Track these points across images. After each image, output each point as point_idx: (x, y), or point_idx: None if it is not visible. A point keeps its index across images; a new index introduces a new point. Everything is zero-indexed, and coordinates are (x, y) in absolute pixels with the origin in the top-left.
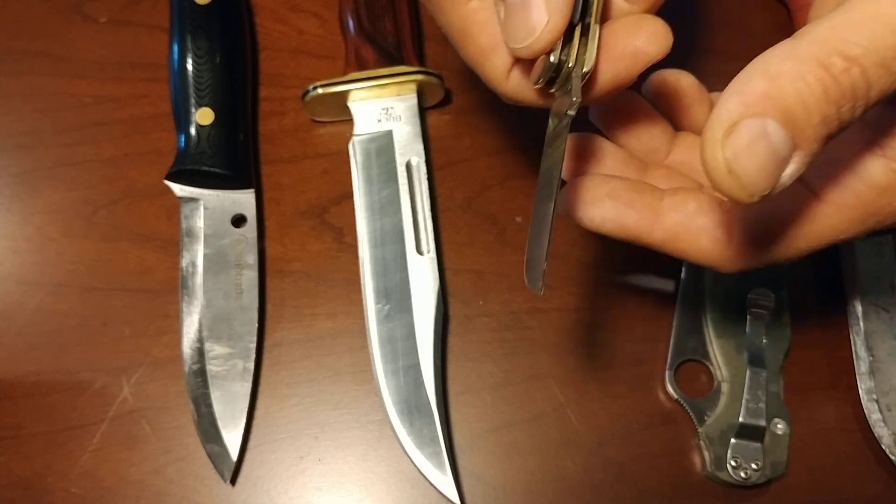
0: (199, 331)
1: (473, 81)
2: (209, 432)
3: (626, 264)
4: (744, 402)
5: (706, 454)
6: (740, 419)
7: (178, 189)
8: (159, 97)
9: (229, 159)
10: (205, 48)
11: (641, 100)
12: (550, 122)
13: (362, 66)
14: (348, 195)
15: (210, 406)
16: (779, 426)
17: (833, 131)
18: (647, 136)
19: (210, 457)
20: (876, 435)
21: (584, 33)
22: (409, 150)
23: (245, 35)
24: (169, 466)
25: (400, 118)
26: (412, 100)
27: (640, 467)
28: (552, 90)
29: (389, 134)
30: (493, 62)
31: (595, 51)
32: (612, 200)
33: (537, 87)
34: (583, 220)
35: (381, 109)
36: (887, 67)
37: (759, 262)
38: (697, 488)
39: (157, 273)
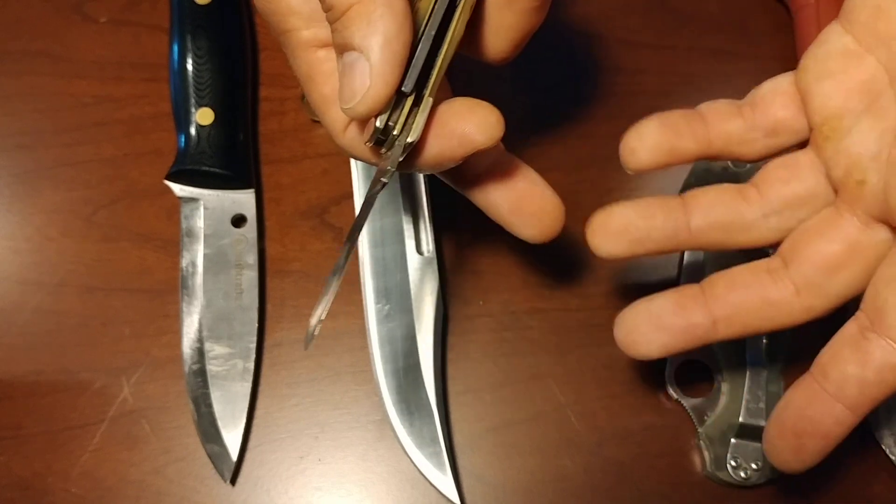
0: (199, 331)
1: (472, 81)
2: (209, 432)
3: (626, 264)
4: (744, 402)
5: (706, 454)
6: (740, 419)
7: (178, 189)
8: (159, 97)
9: (229, 159)
10: (205, 48)
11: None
12: (371, 183)
13: None
14: (348, 195)
15: (210, 406)
16: None
17: None
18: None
19: (210, 457)
20: (876, 435)
21: (417, 104)
22: None
23: (245, 35)
24: (169, 466)
25: None
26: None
27: (640, 467)
28: (381, 151)
29: None
30: (333, 113)
31: (423, 123)
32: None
33: (367, 145)
34: (635, 354)
35: None
36: None
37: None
38: (697, 488)
39: (157, 273)
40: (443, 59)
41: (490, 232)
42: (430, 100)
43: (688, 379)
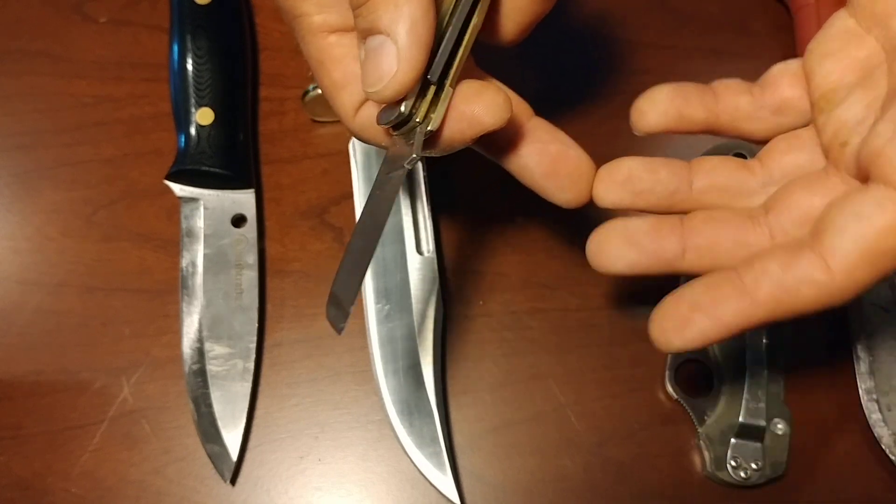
0: (199, 331)
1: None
2: (209, 432)
3: None
4: (744, 402)
5: (706, 454)
6: (740, 419)
7: (178, 189)
8: (159, 97)
9: (229, 159)
10: (205, 48)
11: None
12: (384, 165)
13: None
14: (348, 195)
15: (210, 406)
16: (779, 426)
17: None
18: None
19: (210, 457)
20: (876, 435)
21: (438, 93)
22: None
23: (245, 35)
24: (169, 466)
25: None
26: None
27: (640, 467)
28: (395, 134)
29: None
30: (343, 98)
31: (443, 113)
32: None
33: (382, 126)
34: (599, 266)
35: None
36: None
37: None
38: (697, 488)
39: (157, 273)
40: (464, 50)
41: (490, 232)
42: (451, 89)
43: (688, 379)
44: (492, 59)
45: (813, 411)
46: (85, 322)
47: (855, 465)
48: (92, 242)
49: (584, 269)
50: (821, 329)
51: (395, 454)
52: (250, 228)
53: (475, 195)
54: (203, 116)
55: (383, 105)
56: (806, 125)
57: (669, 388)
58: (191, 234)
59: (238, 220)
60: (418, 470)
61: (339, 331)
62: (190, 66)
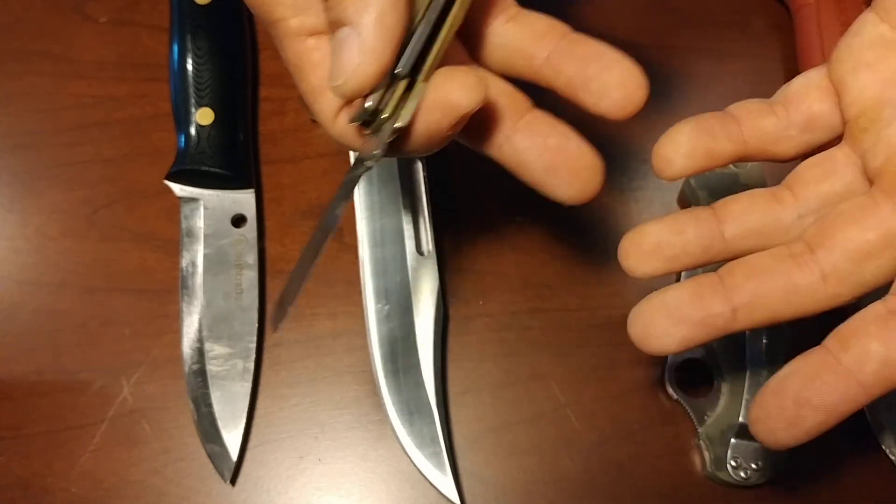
0: (199, 331)
1: None
2: (209, 432)
3: None
4: (744, 402)
5: (706, 454)
6: (740, 419)
7: (178, 189)
8: (159, 97)
9: (229, 159)
10: (205, 48)
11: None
12: (353, 167)
13: None
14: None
15: (210, 406)
16: None
17: None
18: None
19: (210, 457)
20: (876, 435)
21: (410, 88)
22: None
23: (245, 35)
24: (169, 466)
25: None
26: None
27: (640, 467)
28: (366, 132)
29: None
30: (323, 103)
31: (413, 108)
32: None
33: (352, 124)
34: (650, 351)
35: None
36: None
37: None
38: (697, 488)
39: (157, 273)
40: (440, 45)
41: (490, 232)
42: (424, 85)
43: (688, 379)
44: None
45: None
46: (85, 322)
47: (855, 465)
48: (92, 242)
49: (584, 269)
50: (821, 329)
51: (395, 454)
52: (250, 228)
53: (475, 195)
54: (203, 116)
55: (352, 102)
56: (834, 139)
57: (669, 388)
58: (191, 234)
59: (238, 220)
60: (418, 470)
61: (274, 329)
62: (190, 66)
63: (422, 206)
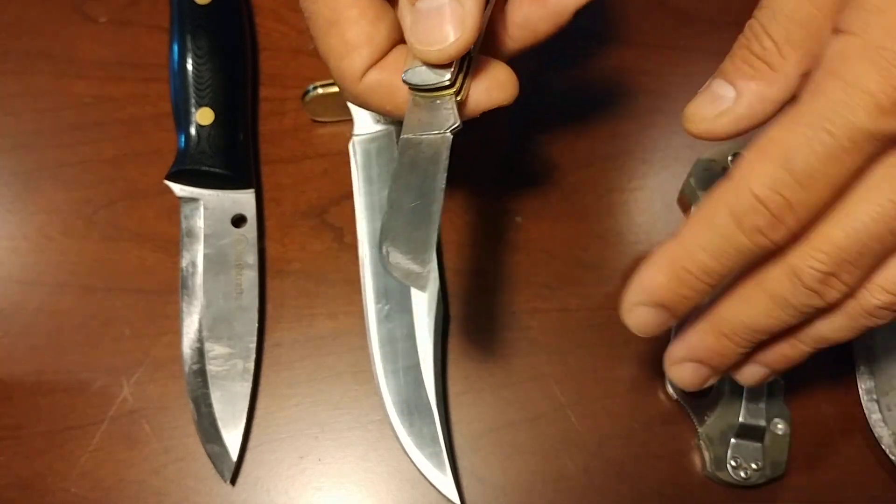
0: (199, 331)
1: None
2: (209, 432)
3: (626, 264)
4: (744, 402)
5: (706, 454)
6: (740, 419)
7: (178, 189)
8: (159, 97)
9: (229, 159)
10: (205, 48)
11: None
12: (406, 128)
13: None
14: (348, 195)
15: (210, 406)
16: (779, 426)
17: None
18: None
19: (210, 457)
20: (876, 435)
21: (468, 61)
22: None
23: (245, 35)
24: (169, 466)
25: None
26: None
27: (640, 467)
28: (418, 95)
29: (389, 134)
30: (353, 59)
31: (469, 83)
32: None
33: (407, 84)
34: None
35: None
36: None
37: None
38: (697, 488)
39: (157, 273)
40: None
41: (490, 232)
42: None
43: None
44: None
45: (813, 411)
46: (85, 322)
47: (855, 464)
48: (92, 242)
49: (584, 269)
50: None
51: (395, 454)
52: (250, 228)
53: (475, 195)
54: (203, 116)
55: (411, 67)
56: None
57: (669, 388)
58: (191, 234)
59: (238, 220)
60: (418, 470)
61: (422, 288)
62: (190, 66)
63: None
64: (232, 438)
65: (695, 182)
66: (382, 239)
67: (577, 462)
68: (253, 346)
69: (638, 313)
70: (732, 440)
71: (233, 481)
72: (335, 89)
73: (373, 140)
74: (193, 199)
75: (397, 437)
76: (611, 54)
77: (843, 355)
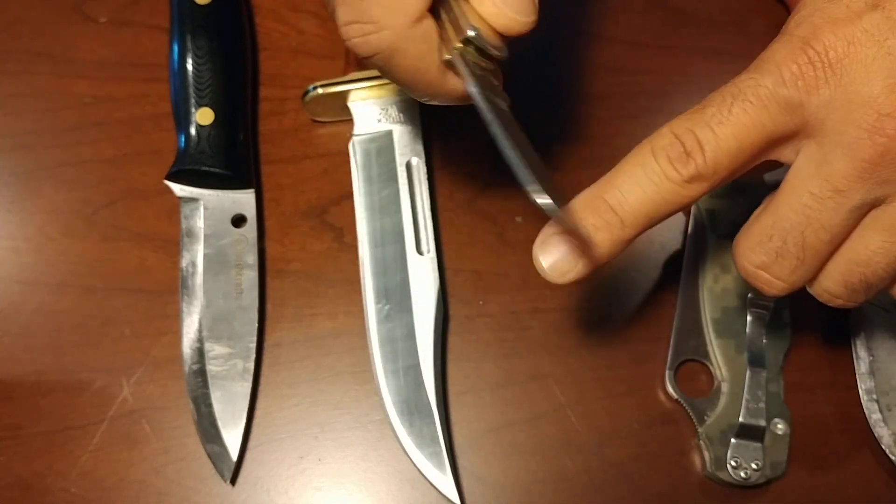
0: (199, 331)
1: None
2: (209, 432)
3: (626, 264)
4: (744, 402)
5: (706, 454)
6: (740, 419)
7: (178, 189)
8: (159, 97)
9: (229, 159)
10: (205, 48)
11: None
12: (472, 77)
13: (362, 66)
14: (348, 195)
15: (210, 406)
16: (779, 426)
17: None
18: None
19: (210, 457)
20: (876, 435)
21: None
22: (409, 150)
23: (245, 35)
24: (169, 466)
25: (400, 118)
26: (412, 100)
27: (640, 467)
28: (464, 48)
29: (389, 134)
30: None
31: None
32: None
33: (460, 47)
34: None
35: (381, 109)
36: None
37: None
38: (697, 488)
39: (157, 273)
40: None
41: (490, 232)
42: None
43: (688, 379)
44: None
45: (813, 411)
46: (85, 322)
47: (855, 464)
48: (92, 242)
49: None
50: (821, 329)
51: (395, 454)
52: (250, 228)
53: (475, 195)
54: (203, 116)
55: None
56: None
57: (669, 388)
58: (191, 234)
59: (238, 220)
60: (418, 470)
61: (554, 212)
62: (190, 66)
63: (422, 206)
64: (232, 438)
65: None
66: (532, 181)
67: (577, 462)
68: (253, 346)
69: (550, 244)
70: (732, 440)
71: (233, 481)
72: (335, 89)
73: (373, 140)
74: (193, 199)
75: (397, 437)
76: (610, 54)
77: (843, 356)
